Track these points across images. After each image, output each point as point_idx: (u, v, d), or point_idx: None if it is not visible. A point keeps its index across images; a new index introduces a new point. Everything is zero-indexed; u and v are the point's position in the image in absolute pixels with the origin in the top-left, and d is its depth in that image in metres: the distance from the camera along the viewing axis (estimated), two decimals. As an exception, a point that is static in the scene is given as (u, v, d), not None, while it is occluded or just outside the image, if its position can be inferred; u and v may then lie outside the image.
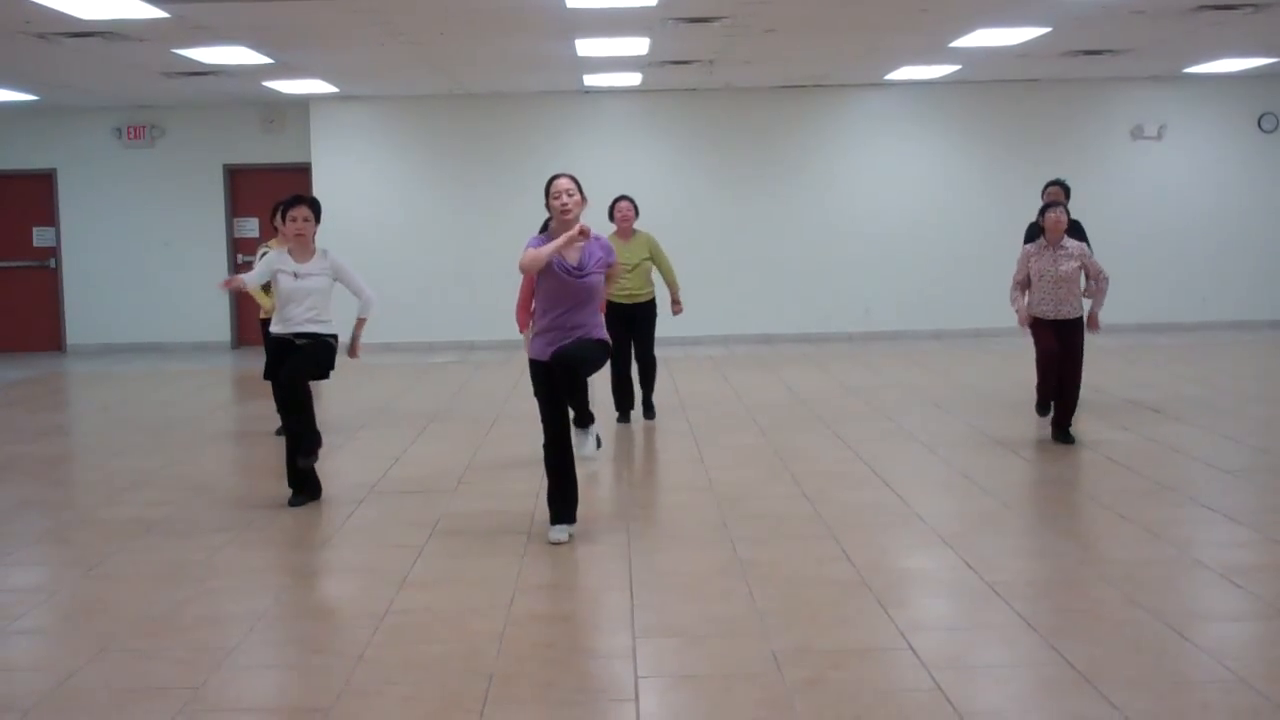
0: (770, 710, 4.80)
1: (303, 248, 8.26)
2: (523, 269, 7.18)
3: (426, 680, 5.21)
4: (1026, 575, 6.61)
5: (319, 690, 5.13)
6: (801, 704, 4.84)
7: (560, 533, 7.30)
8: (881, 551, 7.05)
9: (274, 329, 8.29)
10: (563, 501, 7.35)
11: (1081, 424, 10.10)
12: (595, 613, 6.24)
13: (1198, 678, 5.07)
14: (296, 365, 8.19)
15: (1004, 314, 16.33)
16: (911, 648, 5.43)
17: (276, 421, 11.24)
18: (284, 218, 8.29)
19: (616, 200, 11.10)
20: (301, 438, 8.23)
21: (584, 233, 7.10)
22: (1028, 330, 9.92)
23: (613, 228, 10.99)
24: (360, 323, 8.53)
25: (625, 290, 10.80)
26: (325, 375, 8.35)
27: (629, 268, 10.71)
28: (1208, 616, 5.91)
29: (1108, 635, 5.56)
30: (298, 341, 8.20)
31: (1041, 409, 10.09)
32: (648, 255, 11.04)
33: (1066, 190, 11.50)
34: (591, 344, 7.26)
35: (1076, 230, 11.51)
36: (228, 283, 8.29)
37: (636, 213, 11.07)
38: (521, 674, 5.27)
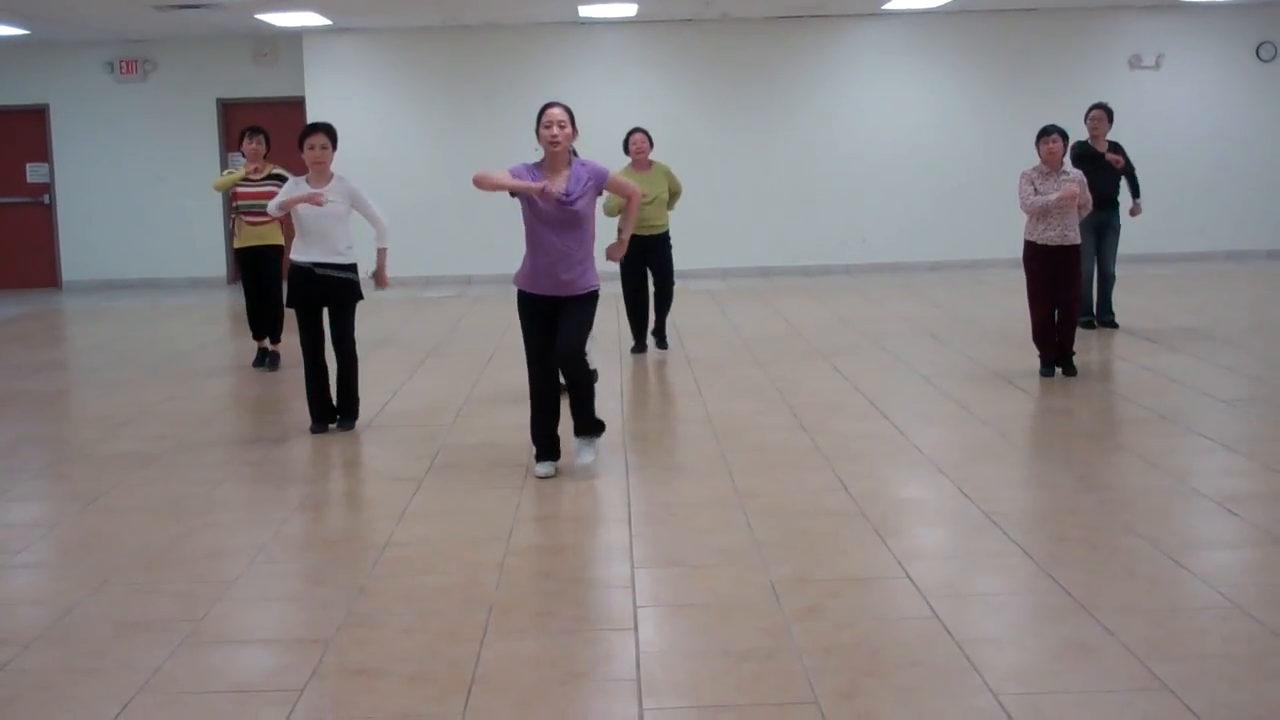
0: (768, 638, 4.83)
1: (320, 175, 8.39)
2: (475, 181, 6.97)
3: (427, 611, 5.23)
4: (1023, 504, 6.63)
5: (320, 621, 5.15)
6: (799, 632, 4.87)
7: (547, 468, 7.26)
8: (879, 482, 7.08)
9: (294, 257, 8.35)
10: (545, 434, 7.30)
11: (1078, 354, 10.08)
12: (594, 544, 6.26)
13: (1194, 604, 5.10)
14: (343, 332, 8.37)
15: (1001, 244, 16.23)
16: (909, 576, 5.46)
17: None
18: (300, 145, 8.37)
19: (630, 133, 11.01)
20: (352, 405, 8.58)
21: (545, 193, 6.88)
22: (1073, 190, 9.56)
23: (628, 161, 10.94)
24: (381, 253, 8.62)
25: (643, 221, 10.58)
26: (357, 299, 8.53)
27: (648, 199, 10.56)
28: (1204, 544, 5.94)
29: (1104, 563, 5.59)
30: (317, 272, 8.25)
31: (1041, 348, 9.99)
32: (667, 187, 10.96)
33: (1109, 113, 11.62)
34: (581, 315, 7.12)
35: (1119, 152, 11.66)
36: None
37: (651, 144, 11.00)
38: (521, 604, 5.30)
